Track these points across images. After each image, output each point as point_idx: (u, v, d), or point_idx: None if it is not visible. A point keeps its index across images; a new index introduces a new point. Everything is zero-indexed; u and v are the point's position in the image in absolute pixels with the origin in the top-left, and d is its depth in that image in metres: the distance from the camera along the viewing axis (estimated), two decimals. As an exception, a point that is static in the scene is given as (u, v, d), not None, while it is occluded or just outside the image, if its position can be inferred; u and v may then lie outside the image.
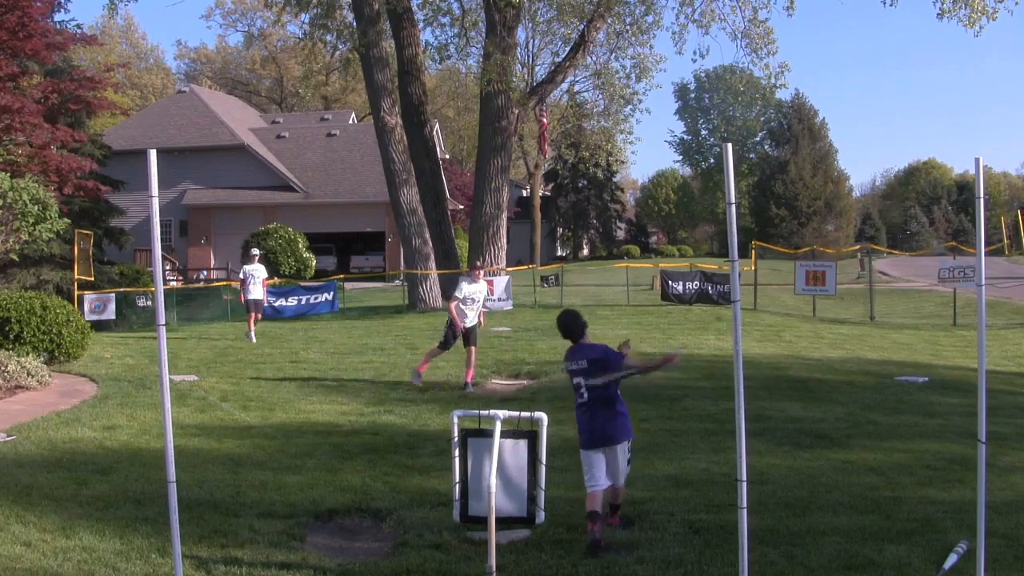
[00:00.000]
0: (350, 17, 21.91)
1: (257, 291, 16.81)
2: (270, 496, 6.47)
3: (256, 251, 18.10)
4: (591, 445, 5.54)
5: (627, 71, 23.69)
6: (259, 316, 17.18)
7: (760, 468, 7.06)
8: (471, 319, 11.37)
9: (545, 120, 29.89)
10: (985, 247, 4.53)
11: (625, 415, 5.63)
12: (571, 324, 5.80)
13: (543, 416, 5.18)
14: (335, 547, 5.53)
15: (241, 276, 17.11)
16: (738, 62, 58.73)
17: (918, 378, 11.75)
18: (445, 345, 11.36)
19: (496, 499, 4.88)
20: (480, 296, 11.51)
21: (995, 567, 4.81)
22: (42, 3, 20.69)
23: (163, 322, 4.29)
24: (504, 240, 22.48)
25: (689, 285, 21.74)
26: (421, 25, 22.37)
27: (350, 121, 50.04)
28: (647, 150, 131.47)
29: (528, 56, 39.21)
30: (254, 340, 16.14)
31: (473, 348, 11.44)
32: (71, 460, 7.53)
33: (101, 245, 24.48)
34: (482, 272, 11.88)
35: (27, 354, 12.15)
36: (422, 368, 11.32)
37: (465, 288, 11.33)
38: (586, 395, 5.57)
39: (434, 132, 25.83)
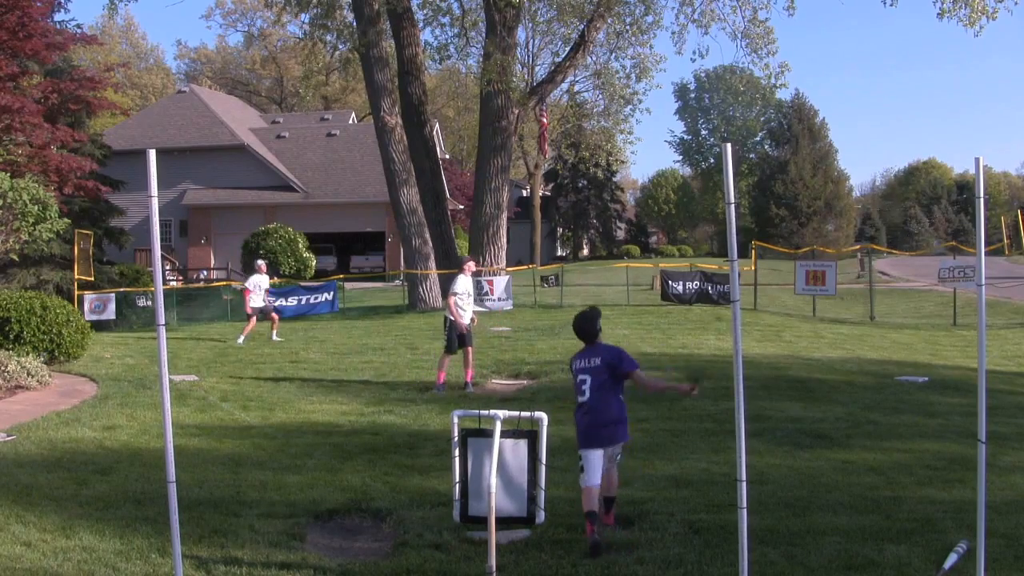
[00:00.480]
0: (350, 17, 21.91)
1: (256, 300, 16.89)
2: (270, 496, 6.47)
3: (261, 262, 18.09)
4: (588, 445, 5.55)
5: (627, 71, 23.68)
6: (276, 317, 17.20)
7: (760, 468, 7.06)
8: (468, 316, 11.38)
9: (545, 120, 29.84)
10: (985, 247, 4.53)
11: (624, 420, 5.66)
12: (585, 326, 5.81)
13: (543, 416, 5.17)
14: (335, 547, 5.53)
15: (248, 287, 17.14)
16: (738, 62, 58.78)
17: (918, 378, 11.75)
18: (450, 348, 11.30)
19: (496, 499, 4.87)
20: (472, 290, 11.52)
21: (995, 567, 4.80)
22: (42, 3, 20.70)
23: (163, 322, 4.29)
24: (504, 240, 22.48)
25: (689, 285, 21.75)
26: (421, 25, 22.37)
27: (350, 121, 50.05)
28: (647, 150, 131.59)
29: (528, 56, 39.27)
30: (241, 342, 16.06)
31: (470, 348, 11.43)
32: (71, 460, 7.53)
33: (101, 245, 24.51)
34: (472, 265, 11.84)
35: (27, 354, 12.15)
36: (441, 380, 11.23)
37: (461, 283, 11.34)
38: (588, 394, 5.58)
39: (434, 132, 25.82)
